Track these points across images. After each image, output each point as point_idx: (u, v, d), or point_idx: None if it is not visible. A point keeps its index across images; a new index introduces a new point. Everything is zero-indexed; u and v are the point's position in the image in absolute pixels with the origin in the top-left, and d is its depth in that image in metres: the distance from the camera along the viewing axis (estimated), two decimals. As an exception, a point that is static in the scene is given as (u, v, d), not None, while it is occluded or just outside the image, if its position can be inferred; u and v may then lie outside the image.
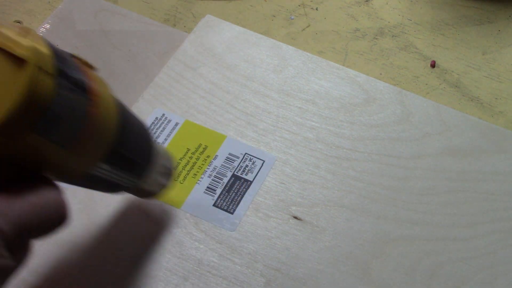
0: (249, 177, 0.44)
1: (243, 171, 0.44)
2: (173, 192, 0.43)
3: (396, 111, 0.47)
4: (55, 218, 0.27)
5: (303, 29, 0.54)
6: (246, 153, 0.45)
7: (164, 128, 0.46)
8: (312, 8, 0.56)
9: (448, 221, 0.42)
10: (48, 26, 0.53)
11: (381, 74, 0.51)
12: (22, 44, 0.23)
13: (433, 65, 0.52)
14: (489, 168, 0.44)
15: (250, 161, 0.44)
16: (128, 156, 0.31)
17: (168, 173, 0.38)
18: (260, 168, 0.44)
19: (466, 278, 0.40)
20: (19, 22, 0.55)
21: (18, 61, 0.23)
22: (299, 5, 0.56)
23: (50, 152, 0.26)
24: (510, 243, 0.41)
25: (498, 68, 0.51)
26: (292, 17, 0.55)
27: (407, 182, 0.44)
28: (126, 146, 0.31)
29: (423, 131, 0.46)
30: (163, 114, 0.47)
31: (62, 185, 0.28)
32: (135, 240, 0.41)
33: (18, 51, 0.23)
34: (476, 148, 0.45)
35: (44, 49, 0.24)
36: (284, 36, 0.54)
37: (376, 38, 0.54)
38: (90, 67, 0.28)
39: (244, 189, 0.43)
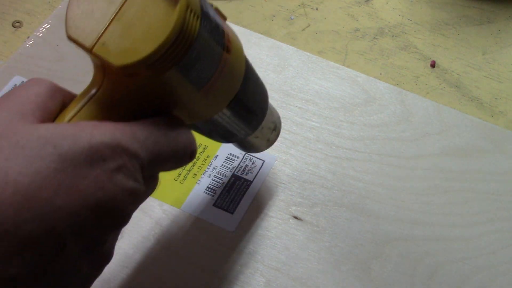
0: (249, 177, 0.44)
1: (243, 171, 0.44)
2: (173, 192, 0.43)
3: (396, 111, 0.47)
4: (185, 153, 0.29)
5: (303, 29, 0.54)
6: (246, 153, 0.45)
7: (164, 128, 0.46)
8: (312, 8, 0.56)
9: (448, 221, 0.42)
10: (48, 26, 0.53)
11: (381, 74, 0.51)
12: None
13: (433, 65, 0.52)
14: (489, 168, 0.44)
15: (250, 161, 0.44)
16: (249, 106, 0.33)
17: (276, 129, 0.39)
18: (260, 168, 0.44)
19: (466, 278, 0.40)
20: (19, 22, 0.55)
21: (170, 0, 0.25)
22: (299, 5, 0.56)
23: (185, 91, 0.27)
24: (510, 243, 0.41)
25: (498, 68, 0.51)
26: (292, 17, 0.55)
27: (407, 182, 0.44)
28: (248, 96, 0.33)
29: (423, 131, 0.46)
30: (163, 114, 0.47)
31: None
32: (135, 240, 0.41)
33: None
34: (476, 148, 0.45)
35: None
36: (284, 36, 0.54)
37: (376, 38, 0.54)
38: (224, 18, 0.30)
39: (244, 189, 0.43)
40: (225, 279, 0.39)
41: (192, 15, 0.25)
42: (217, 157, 0.45)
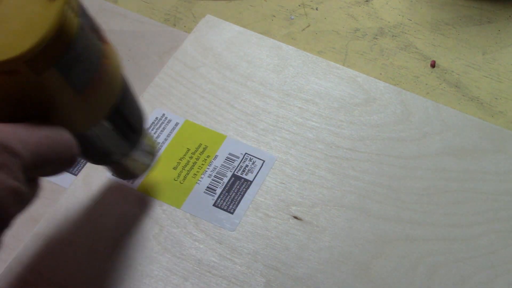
0: (249, 177, 0.44)
1: (243, 171, 0.44)
2: (173, 192, 0.43)
3: (396, 111, 0.47)
4: (67, 156, 0.28)
5: (303, 29, 0.54)
6: (246, 153, 0.45)
7: (164, 128, 0.46)
8: (312, 8, 0.56)
9: (448, 221, 0.42)
10: (48, 26, 0.53)
11: (381, 74, 0.51)
12: None
13: (433, 65, 0.52)
14: (489, 168, 0.44)
15: (250, 161, 0.44)
16: (127, 118, 0.33)
17: (152, 153, 0.39)
18: (260, 168, 0.44)
19: (466, 278, 0.40)
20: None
21: None
22: (299, 5, 0.56)
23: (65, 94, 0.27)
24: (510, 243, 0.41)
25: (498, 68, 0.51)
26: (292, 17, 0.55)
27: (407, 182, 0.44)
28: (127, 108, 0.33)
29: (423, 131, 0.46)
30: (163, 114, 0.47)
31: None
32: (135, 240, 0.41)
33: None
34: (476, 148, 0.45)
35: None
36: (284, 36, 0.54)
37: (376, 38, 0.54)
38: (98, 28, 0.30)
39: (244, 189, 0.43)
40: (225, 279, 0.39)
41: (71, 11, 0.25)
42: (217, 157, 0.45)
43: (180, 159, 0.44)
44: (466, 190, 0.43)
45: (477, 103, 0.49)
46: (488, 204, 0.43)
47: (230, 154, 0.45)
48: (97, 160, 0.35)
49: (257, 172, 0.44)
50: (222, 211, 0.42)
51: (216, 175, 0.44)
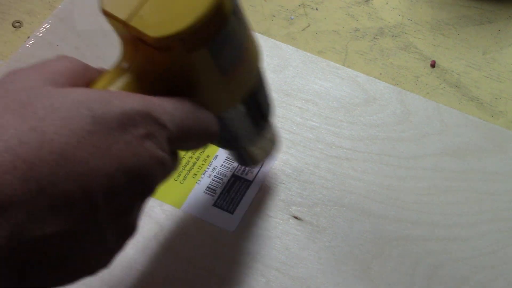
0: (249, 177, 0.44)
1: (243, 171, 0.44)
2: (173, 192, 0.43)
3: (396, 111, 0.47)
4: (209, 132, 0.29)
5: (303, 29, 0.54)
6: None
7: (164, 128, 0.46)
8: (312, 8, 0.56)
9: (448, 221, 0.42)
10: (48, 26, 0.53)
11: (381, 74, 0.51)
12: None
13: (433, 65, 0.52)
14: (489, 168, 0.44)
15: (250, 161, 0.44)
16: (261, 104, 0.34)
17: (274, 141, 0.40)
18: (260, 168, 0.44)
19: (466, 278, 0.40)
20: (19, 22, 0.55)
21: None
22: (299, 5, 0.56)
23: (211, 74, 0.28)
24: (510, 243, 0.41)
25: (498, 68, 0.51)
26: (292, 17, 0.55)
27: (407, 182, 0.44)
28: (261, 94, 0.34)
29: (423, 131, 0.46)
30: (163, 114, 0.47)
31: None
32: (135, 240, 0.41)
33: None
34: (476, 148, 0.45)
35: None
36: (284, 36, 0.54)
37: (376, 38, 0.54)
38: None
39: (244, 189, 0.43)
40: (225, 279, 0.39)
41: None
42: (217, 157, 0.45)
43: (180, 159, 0.44)
44: (466, 190, 0.43)
45: (477, 103, 0.49)
46: (488, 204, 0.43)
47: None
48: (224, 144, 0.36)
49: (257, 172, 0.44)
50: (222, 211, 0.42)
51: (216, 175, 0.44)
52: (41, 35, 0.52)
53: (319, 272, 0.40)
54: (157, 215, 0.42)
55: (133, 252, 0.40)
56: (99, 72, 0.28)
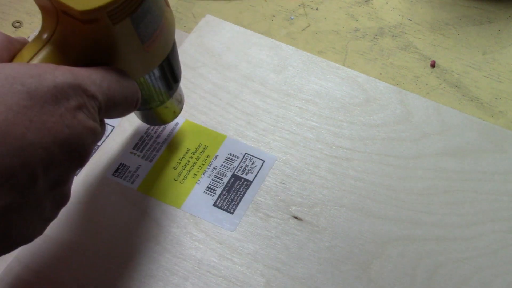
0: (249, 177, 0.44)
1: (243, 171, 0.44)
2: (173, 192, 0.43)
3: (396, 111, 0.47)
4: (133, 99, 0.31)
5: (303, 29, 0.54)
6: (246, 153, 0.45)
7: (164, 128, 0.46)
8: (312, 8, 0.56)
9: (448, 221, 0.42)
10: (48, 26, 0.53)
11: (381, 74, 0.51)
12: None
13: (433, 65, 0.52)
14: (489, 168, 0.44)
15: (250, 161, 0.44)
16: (174, 68, 0.36)
17: (181, 102, 0.42)
18: (260, 168, 0.44)
19: (466, 278, 0.40)
20: (19, 22, 0.55)
21: None
22: (299, 5, 0.56)
23: (132, 44, 0.30)
24: (510, 243, 0.41)
25: (498, 68, 0.51)
26: (292, 17, 0.55)
27: (407, 182, 0.44)
28: (174, 59, 0.36)
29: (423, 131, 0.46)
30: (163, 114, 0.47)
31: None
32: (135, 240, 0.41)
33: None
34: (476, 148, 0.45)
35: None
36: (284, 36, 0.54)
37: (376, 38, 0.54)
38: None
39: (244, 189, 0.43)
40: (225, 279, 0.39)
41: None
42: (217, 157, 0.45)
43: (180, 159, 0.44)
44: (466, 190, 0.43)
45: (477, 103, 0.49)
46: (488, 204, 0.43)
47: (230, 154, 0.45)
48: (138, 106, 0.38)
49: (257, 172, 0.44)
50: (222, 211, 0.42)
51: (216, 175, 0.44)
52: None
53: (319, 272, 0.40)
54: (157, 215, 0.42)
55: (133, 252, 0.40)
56: (21, 43, 0.29)
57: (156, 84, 0.36)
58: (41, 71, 0.25)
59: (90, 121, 0.26)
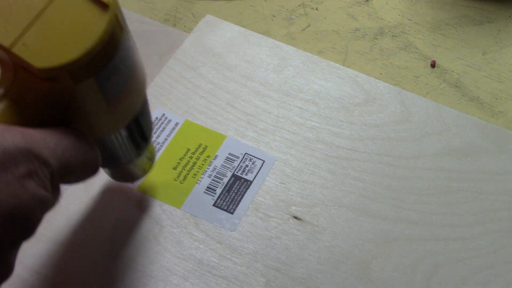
0: (249, 177, 0.44)
1: (243, 171, 0.44)
2: (173, 192, 0.43)
3: (396, 111, 0.47)
4: (91, 165, 0.28)
5: (303, 29, 0.54)
6: (246, 153, 0.45)
7: (164, 128, 0.46)
8: (312, 8, 0.56)
9: (448, 221, 0.42)
10: (48, 26, 0.53)
11: (381, 74, 0.51)
12: None
13: (433, 65, 0.52)
14: (489, 168, 0.44)
15: (250, 161, 0.44)
16: (143, 128, 0.34)
17: (152, 159, 0.40)
18: (260, 168, 0.44)
19: (466, 278, 0.40)
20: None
21: (101, 6, 0.24)
22: (299, 5, 0.56)
23: (96, 104, 0.27)
24: (510, 243, 0.41)
25: (498, 68, 0.51)
26: (292, 17, 0.55)
27: (407, 182, 0.44)
28: (144, 119, 0.33)
29: (423, 131, 0.46)
30: (163, 114, 0.47)
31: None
32: (135, 240, 0.41)
33: None
34: (476, 148, 0.45)
35: (117, 0, 0.26)
36: (284, 36, 0.54)
37: (376, 38, 0.54)
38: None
39: (244, 189, 0.43)
40: (225, 279, 0.39)
41: (117, 24, 0.25)
42: (217, 157, 0.45)
43: (180, 159, 0.44)
44: (466, 190, 0.43)
45: (477, 103, 0.49)
46: (488, 204, 0.43)
47: (230, 154, 0.45)
48: (104, 164, 0.35)
49: (257, 172, 0.44)
50: (222, 211, 0.42)
51: (216, 175, 0.44)
52: None
53: (319, 272, 0.40)
54: (157, 215, 0.42)
55: (133, 252, 0.40)
56: None
57: (123, 144, 0.33)
58: None
59: (40, 190, 0.24)
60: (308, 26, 0.55)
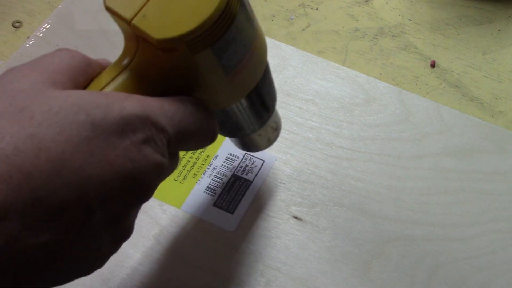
0: (249, 177, 0.44)
1: (243, 171, 0.44)
2: (173, 192, 0.43)
3: (396, 111, 0.47)
4: (208, 134, 0.29)
5: (303, 29, 0.54)
6: (246, 153, 0.45)
7: (164, 128, 0.46)
8: (312, 8, 0.56)
9: (448, 221, 0.42)
10: (48, 26, 0.53)
11: (381, 74, 0.51)
12: None
13: (433, 65, 0.52)
14: (489, 168, 0.44)
15: (250, 161, 0.44)
16: (264, 99, 0.33)
17: (277, 129, 0.39)
18: (260, 168, 0.44)
19: (466, 278, 0.40)
20: (19, 22, 0.55)
21: None
22: (299, 5, 0.56)
23: (214, 74, 0.27)
24: (510, 243, 0.41)
25: (498, 68, 0.51)
26: (292, 17, 0.55)
27: (407, 182, 0.44)
28: (265, 89, 0.33)
29: (423, 131, 0.46)
30: (163, 114, 0.47)
31: None
32: (135, 240, 0.41)
33: None
34: (476, 148, 0.45)
35: None
36: (284, 36, 0.54)
37: (376, 38, 0.54)
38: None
39: (244, 189, 0.43)
40: (225, 279, 0.39)
41: None
42: (217, 157, 0.45)
43: (180, 159, 0.44)
44: (466, 190, 0.43)
45: (477, 103, 0.49)
46: (488, 204, 0.43)
47: (230, 154, 0.45)
48: (227, 133, 0.36)
49: (257, 172, 0.44)
50: (222, 211, 0.42)
51: (216, 175, 0.44)
52: (41, 35, 0.52)
53: (319, 272, 0.40)
54: (157, 215, 0.42)
55: (133, 252, 0.40)
56: (101, 66, 0.28)
57: (244, 114, 0.33)
58: (109, 101, 0.24)
59: (157, 156, 0.25)
60: (308, 26, 0.55)
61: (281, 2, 0.56)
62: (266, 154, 0.45)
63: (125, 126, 0.24)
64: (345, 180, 0.44)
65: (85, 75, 0.27)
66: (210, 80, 0.28)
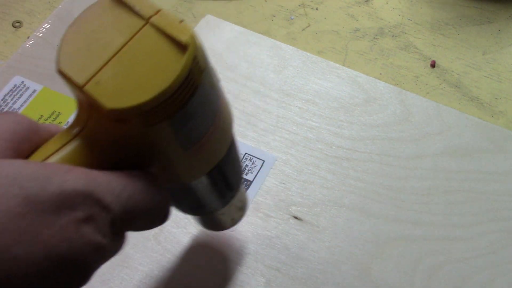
0: (249, 177, 0.44)
1: (243, 171, 0.44)
2: (173, 192, 0.43)
3: (396, 111, 0.47)
4: (158, 215, 0.27)
5: (303, 29, 0.54)
6: (246, 153, 0.45)
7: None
8: (312, 8, 0.56)
9: (448, 221, 0.42)
10: (48, 26, 0.53)
11: (381, 74, 0.51)
12: (186, 31, 0.23)
13: (433, 65, 0.52)
14: (489, 168, 0.44)
15: (250, 161, 0.44)
16: (227, 177, 0.31)
17: (242, 209, 0.37)
18: (260, 168, 0.44)
19: (466, 278, 0.40)
20: (19, 22, 0.55)
21: (179, 47, 0.23)
22: (299, 5, 0.56)
23: (172, 149, 0.25)
24: (510, 243, 0.41)
25: (498, 68, 0.51)
26: (292, 17, 0.55)
27: (407, 182, 0.44)
28: (229, 166, 0.30)
29: (423, 131, 0.46)
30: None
31: None
32: (135, 240, 0.41)
33: (183, 38, 0.22)
34: (476, 148, 0.45)
35: (198, 41, 0.24)
36: (284, 36, 0.54)
37: (376, 38, 0.54)
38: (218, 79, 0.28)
39: (244, 189, 0.43)
40: (225, 279, 0.39)
41: (197, 66, 0.23)
42: (217, 157, 0.45)
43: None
44: (466, 190, 0.43)
45: (477, 103, 0.49)
46: (488, 204, 0.43)
47: (230, 154, 0.45)
48: (187, 211, 0.34)
49: (257, 172, 0.44)
50: (222, 211, 0.42)
51: (216, 175, 0.44)
52: (41, 35, 0.52)
53: (319, 272, 0.40)
54: (157, 215, 0.42)
55: (133, 252, 0.40)
56: (50, 133, 0.26)
57: (205, 192, 0.31)
58: (49, 173, 0.21)
59: (97, 236, 0.23)
60: (308, 26, 0.55)
61: (281, 2, 0.56)
62: (266, 154, 0.45)
63: (64, 202, 0.22)
64: (345, 180, 0.44)
65: (29, 142, 0.24)
66: (167, 155, 0.26)
